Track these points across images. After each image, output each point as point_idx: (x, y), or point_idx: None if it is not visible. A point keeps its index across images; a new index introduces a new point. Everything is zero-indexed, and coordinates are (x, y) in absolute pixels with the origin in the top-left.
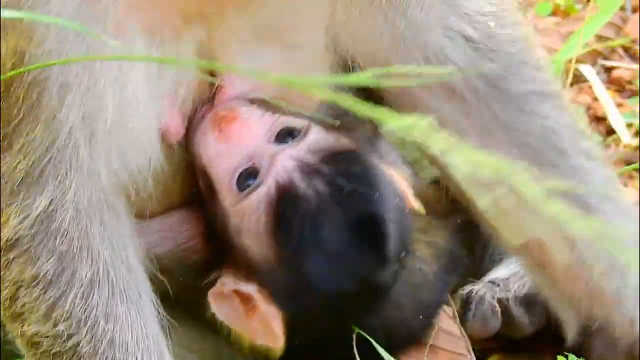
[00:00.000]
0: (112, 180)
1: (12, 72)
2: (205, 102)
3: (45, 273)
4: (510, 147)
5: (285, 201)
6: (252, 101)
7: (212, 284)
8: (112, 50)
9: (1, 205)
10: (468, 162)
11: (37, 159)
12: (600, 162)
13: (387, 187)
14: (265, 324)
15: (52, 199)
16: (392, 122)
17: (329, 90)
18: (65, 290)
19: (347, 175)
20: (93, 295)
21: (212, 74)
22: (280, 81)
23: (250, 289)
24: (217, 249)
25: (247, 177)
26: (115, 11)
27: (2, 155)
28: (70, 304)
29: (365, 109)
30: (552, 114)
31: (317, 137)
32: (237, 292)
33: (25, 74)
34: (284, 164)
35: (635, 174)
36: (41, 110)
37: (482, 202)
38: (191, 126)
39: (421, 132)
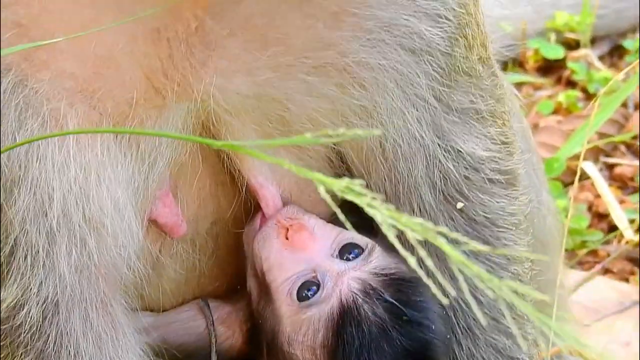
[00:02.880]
0: (85, 274)
1: None
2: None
3: None
4: None
5: (347, 322)
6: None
7: None
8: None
9: None
10: (395, 222)
11: None
12: None
13: (438, 317)
14: None
15: (17, 293)
16: (327, 184)
17: (272, 155)
18: None
19: (407, 303)
20: None
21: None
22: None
23: None
24: (254, 346)
25: (307, 287)
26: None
27: None
28: None
29: (303, 172)
30: None
31: (380, 261)
32: None
33: None
34: (349, 285)
35: (636, 269)
36: None
37: (409, 261)
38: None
39: (353, 193)
